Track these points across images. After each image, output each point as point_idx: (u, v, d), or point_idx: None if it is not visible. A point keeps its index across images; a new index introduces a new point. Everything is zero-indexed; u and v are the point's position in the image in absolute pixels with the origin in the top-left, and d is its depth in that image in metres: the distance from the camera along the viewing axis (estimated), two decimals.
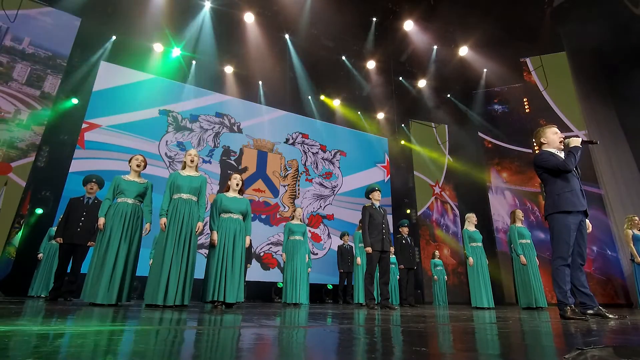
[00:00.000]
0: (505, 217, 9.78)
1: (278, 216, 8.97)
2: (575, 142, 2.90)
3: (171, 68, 8.65)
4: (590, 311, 2.73)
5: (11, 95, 6.60)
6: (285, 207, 9.13)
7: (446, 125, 11.88)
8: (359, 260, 6.19)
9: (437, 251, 9.01)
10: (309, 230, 9.03)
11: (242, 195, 4.04)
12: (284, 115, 10.06)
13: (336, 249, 7.74)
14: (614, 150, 8.18)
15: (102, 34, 7.93)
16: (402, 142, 11.60)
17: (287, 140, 9.88)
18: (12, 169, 6.27)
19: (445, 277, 8.70)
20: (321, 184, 9.93)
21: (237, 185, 4.00)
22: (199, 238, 3.69)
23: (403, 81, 10.48)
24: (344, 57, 9.62)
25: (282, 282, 5.62)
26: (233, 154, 8.95)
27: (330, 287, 8.64)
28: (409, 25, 8.56)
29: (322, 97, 10.55)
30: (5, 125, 6.41)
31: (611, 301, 7.77)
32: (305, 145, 10.10)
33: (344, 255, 7.45)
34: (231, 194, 3.97)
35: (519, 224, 5.73)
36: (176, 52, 8.48)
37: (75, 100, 7.18)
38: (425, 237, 10.62)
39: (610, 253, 8.06)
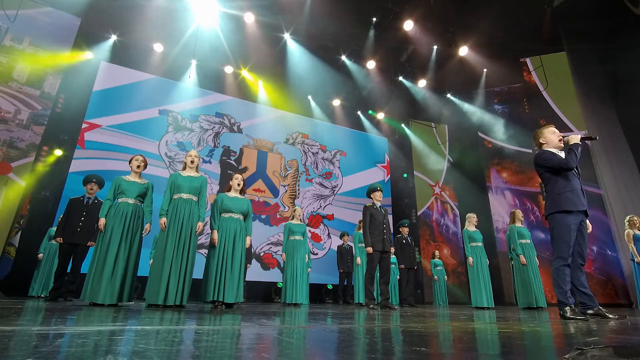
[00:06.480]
0: (505, 217, 9.77)
1: (278, 216, 8.97)
2: (575, 139, 2.89)
3: (171, 68, 8.64)
4: (590, 311, 2.73)
5: (11, 95, 6.60)
6: (285, 207, 9.13)
7: (446, 125, 11.87)
8: (358, 260, 6.19)
9: (437, 251, 9.01)
10: (309, 230, 9.03)
11: (243, 195, 4.04)
12: (284, 115, 10.05)
13: (336, 249, 7.73)
14: (614, 150, 8.17)
15: (102, 34, 7.93)
16: (403, 142, 11.60)
17: (287, 140, 9.87)
18: (12, 169, 6.27)
19: (445, 277, 8.70)
20: (321, 184, 9.93)
21: (239, 185, 4.00)
22: (199, 238, 3.68)
23: (403, 81, 10.48)
24: (344, 57, 9.62)
25: (282, 282, 5.61)
26: (233, 154, 8.94)
27: (330, 287, 8.64)
28: (409, 25, 8.55)
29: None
30: (5, 125, 6.41)
31: (611, 301, 7.76)
32: (305, 145, 10.10)
33: (344, 255, 7.45)
34: (232, 193, 3.97)
35: (518, 224, 5.73)
36: (177, 52, 8.47)
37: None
38: (425, 237, 10.62)
39: (610, 253, 8.05)
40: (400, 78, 10.41)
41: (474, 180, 10.73)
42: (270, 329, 1.65)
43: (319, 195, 9.78)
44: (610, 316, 2.67)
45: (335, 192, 10.05)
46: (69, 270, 4.68)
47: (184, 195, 3.59)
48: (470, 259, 5.70)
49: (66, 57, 7.25)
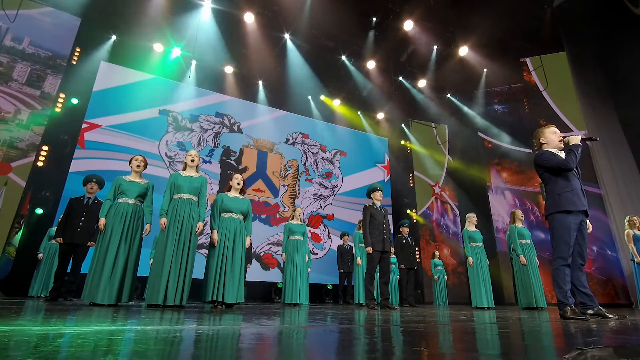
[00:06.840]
0: (505, 217, 9.77)
1: (278, 216, 8.97)
2: (575, 140, 2.89)
3: (171, 68, 8.64)
4: (590, 311, 2.73)
5: (11, 95, 6.60)
6: (285, 207, 9.13)
7: (446, 125, 11.88)
8: (359, 260, 6.19)
9: (437, 251, 9.01)
10: (309, 230, 9.03)
11: (243, 195, 4.04)
12: (284, 115, 10.05)
13: (336, 249, 7.74)
14: (614, 150, 8.17)
15: (102, 34, 7.94)
16: (402, 142, 11.61)
17: (287, 140, 9.87)
18: (12, 169, 6.27)
19: (445, 277, 8.70)
20: (321, 184, 9.93)
21: (239, 185, 4.00)
22: (199, 238, 3.69)
23: (403, 81, 10.48)
24: (344, 57, 9.62)
25: (282, 282, 5.61)
26: (233, 154, 8.94)
27: (330, 287, 8.64)
28: (409, 25, 8.55)
29: (322, 97, 10.54)
30: (5, 125, 6.41)
31: (611, 301, 7.76)
32: (305, 145, 10.10)
33: (344, 255, 7.45)
34: (232, 193, 3.97)
35: (518, 224, 5.73)
36: (176, 52, 8.47)
37: (75, 100, 7.16)
38: (425, 237, 10.62)
39: (610, 253, 8.05)
40: (400, 78, 10.41)
41: (474, 180, 10.73)
42: (270, 329, 1.65)
43: (319, 195, 9.78)
44: (610, 316, 2.67)
45: (335, 192, 10.05)
46: (68, 270, 4.68)
47: (184, 195, 3.60)
48: (470, 259, 5.70)
49: (66, 57, 7.25)
